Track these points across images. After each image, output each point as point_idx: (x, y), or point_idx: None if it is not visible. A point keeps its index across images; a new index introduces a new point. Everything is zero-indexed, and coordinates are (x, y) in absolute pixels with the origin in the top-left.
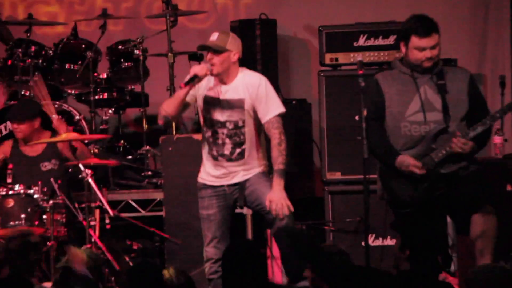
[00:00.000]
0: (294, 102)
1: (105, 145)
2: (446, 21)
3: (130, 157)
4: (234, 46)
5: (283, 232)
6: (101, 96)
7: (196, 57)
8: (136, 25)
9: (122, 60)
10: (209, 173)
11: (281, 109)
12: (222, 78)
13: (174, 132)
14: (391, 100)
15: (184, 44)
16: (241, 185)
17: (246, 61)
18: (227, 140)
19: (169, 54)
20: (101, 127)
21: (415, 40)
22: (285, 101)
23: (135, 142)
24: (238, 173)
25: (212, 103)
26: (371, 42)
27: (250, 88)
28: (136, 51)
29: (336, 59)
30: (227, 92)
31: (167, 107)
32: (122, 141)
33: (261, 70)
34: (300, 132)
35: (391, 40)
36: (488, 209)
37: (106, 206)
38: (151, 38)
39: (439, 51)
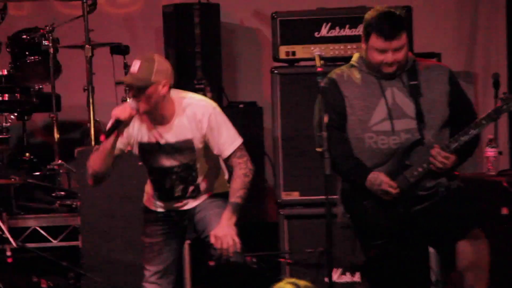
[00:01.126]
0: (241, 105)
1: (5, 159)
2: (428, 8)
3: (37, 173)
4: (161, 74)
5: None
6: (0, 98)
7: (119, 50)
8: (44, 9)
9: (27, 53)
10: (155, 203)
11: (238, 140)
12: (155, 117)
13: (93, 142)
14: (352, 106)
15: (105, 34)
16: (190, 213)
17: (183, 55)
18: (177, 182)
19: (87, 46)
20: (0, 136)
21: (374, 40)
22: (231, 105)
23: (44, 155)
24: (189, 203)
25: (151, 151)
26: (335, 32)
27: (198, 124)
28: (45, 42)
29: (293, 53)
30: (169, 134)
31: (94, 163)
32: (27, 154)
33: (201, 66)
34: (249, 142)
35: (360, 29)
36: (477, 234)
37: (7, 234)
38: (63, 25)
39: (405, 53)
